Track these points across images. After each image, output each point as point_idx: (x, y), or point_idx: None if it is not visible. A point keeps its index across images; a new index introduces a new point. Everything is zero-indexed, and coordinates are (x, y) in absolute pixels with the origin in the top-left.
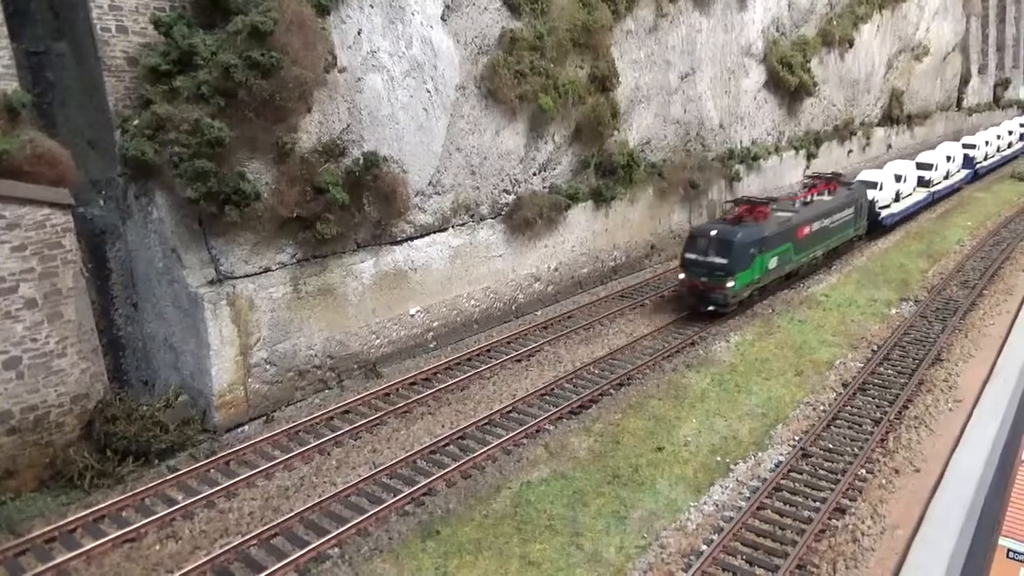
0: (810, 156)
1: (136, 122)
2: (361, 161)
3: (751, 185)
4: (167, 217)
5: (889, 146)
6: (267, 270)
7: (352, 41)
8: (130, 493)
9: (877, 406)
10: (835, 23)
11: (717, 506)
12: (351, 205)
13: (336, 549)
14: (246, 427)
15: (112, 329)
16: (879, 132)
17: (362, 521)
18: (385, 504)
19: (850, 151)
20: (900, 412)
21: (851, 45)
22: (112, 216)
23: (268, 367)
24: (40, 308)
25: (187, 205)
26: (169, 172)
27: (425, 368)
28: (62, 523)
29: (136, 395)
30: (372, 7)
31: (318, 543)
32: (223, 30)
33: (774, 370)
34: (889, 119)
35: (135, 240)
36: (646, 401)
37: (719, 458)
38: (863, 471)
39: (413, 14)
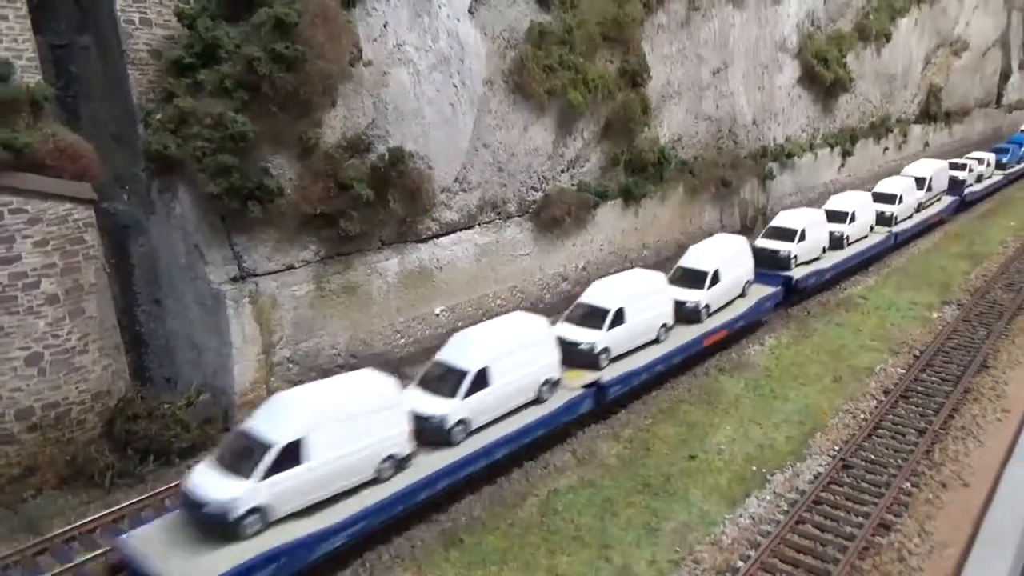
0: (845, 154)
1: (159, 116)
2: (386, 157)
3: (785, 183)
4: (190, 213)
5: (926, 144)
6: (290, 267)
7: (378, 34)
8: (150, 493)
9: (921, 415)
10: (872, 17)
11: (753, 519)
12: (376, 202)
13: (356, 558)
14: None
15: (134, 326)
16: (916, 129)
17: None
18: None
19: (886, 148)
20: (946, 422)
21: (888, 40)
22: (135, 211)
23: (291, 366)
24: (62, 304)
25: (210, 201)
26: (192, 167)
27: None
28: (81, 523)
29: (158, 393)
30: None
31: None
32: (247, 23)
33: (811, 375)
34: (926, 116)
35: (158, 236)
36: (677, 406)
37: (755, 468)
38: (908, 484)
39: (440, 7)
